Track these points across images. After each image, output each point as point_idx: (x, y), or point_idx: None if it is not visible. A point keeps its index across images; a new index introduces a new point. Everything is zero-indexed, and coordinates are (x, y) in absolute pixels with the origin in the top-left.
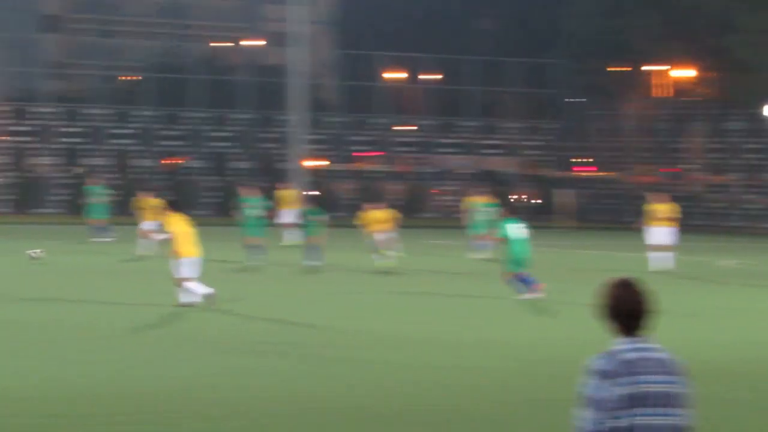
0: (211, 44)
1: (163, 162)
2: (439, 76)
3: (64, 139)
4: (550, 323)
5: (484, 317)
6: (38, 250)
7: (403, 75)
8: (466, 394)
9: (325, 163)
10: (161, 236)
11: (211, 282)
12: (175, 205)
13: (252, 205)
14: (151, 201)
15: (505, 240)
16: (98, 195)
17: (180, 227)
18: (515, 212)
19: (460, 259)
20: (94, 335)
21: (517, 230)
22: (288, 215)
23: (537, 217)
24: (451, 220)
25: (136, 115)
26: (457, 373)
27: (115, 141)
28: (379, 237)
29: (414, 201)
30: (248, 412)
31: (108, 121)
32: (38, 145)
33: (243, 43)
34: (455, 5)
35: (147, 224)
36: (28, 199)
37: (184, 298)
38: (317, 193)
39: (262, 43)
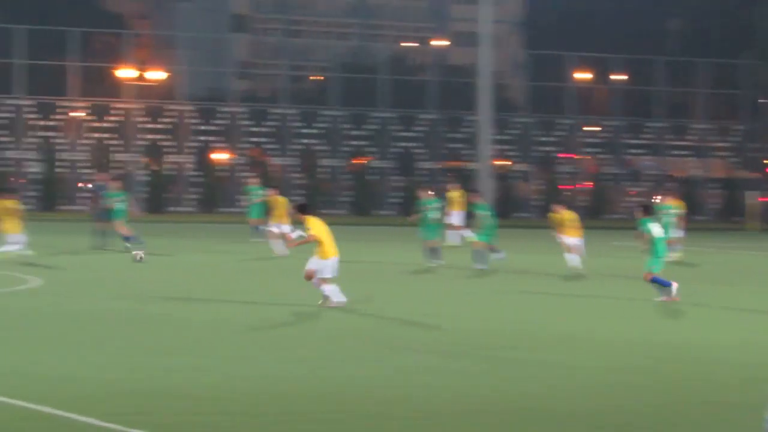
0: (398, 44)
1: (351, 162)
2: (628, 77)
3: (251, 139)
4: (730, 326)
5: (661, 320)
6: (141, 252)
7: (591, 75)
8: (644, 396)
9: (511, 163)
10: (299, 237)
11: (385, 283)
12: (306, 209)
13: (430, 207)
14: (281, 200)
15: (651, 239)
16: (257, 195)
17: (321, 229)
18: (650, 212)
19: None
20: (266, 334)
21: (658, 230)
22: (457, 216)
23: (726, 219)
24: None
25: (322, 114)
26: (635, 375)
27: (301, 141)
28: (568, 240)
29: (601, 202)
30: (433, 412)
31: (295, 120)
32: (225, 145)
33: (429, 42)
34: (644, 5)
35: (279, 225)
36: (214, 198)
37: (335, 298)
38: (479, 191)
39: (448, 43)
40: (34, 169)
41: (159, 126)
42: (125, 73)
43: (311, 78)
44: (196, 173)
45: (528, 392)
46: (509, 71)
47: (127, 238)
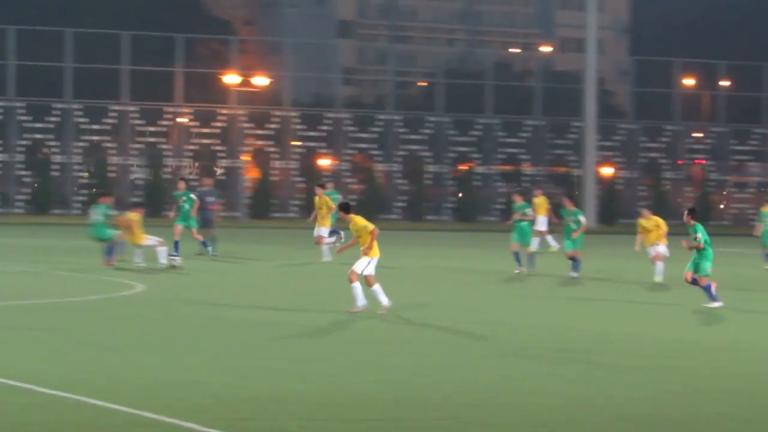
0: (504, 50)
1: (456, 168)
2: (734, 83)
3: (356, 145)
4: None
5: (757, 327)
6: (178, 259)
7: (697, 81)
8: (749, 403)
9: (615, 169)
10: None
11: (480, 289)
12: (349, 208)
13: (520, 212)
14: (325, 200)
15: (704, 245)
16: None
17: (368, 227)
18: (697, 216)
19: (751, 269)
20: (368, 340)
21: (705, 235)
22: (541, 222)
23: None
24: (745, 228)
25: (427, 120)
26: (740, 381)
27: (406, 147)
28: (654, 249)
29: (706, 209)
30: (546, 419)
31: (400, 126)
32: (329, 151)
33: (534, 48)
34: (750, 10)
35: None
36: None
37: (383, 300)
38: (572, 197)
39: (551, 49)
40: (139, 174)
41: (264, 132)
42: (230, 79)
43: (417, 84)
44: (300, 179)
45: (635, 397)
46: (614, 77)
47: (176, 243)
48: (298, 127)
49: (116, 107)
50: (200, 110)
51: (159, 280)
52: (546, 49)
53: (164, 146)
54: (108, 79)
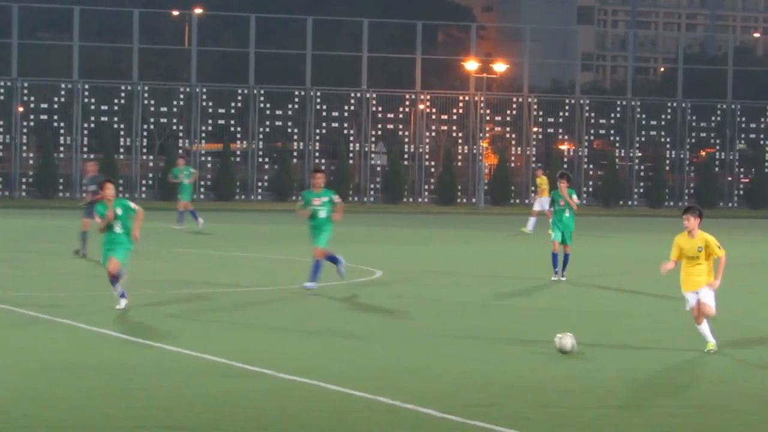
0: (746, 35)
1: (699, 154)
2: None
3: (597, 131)
4: None
5: None
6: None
7: None
8: None
9: None
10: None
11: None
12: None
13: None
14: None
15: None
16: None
17: None
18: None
19: None
20: (626, 326)
21: None
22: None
23: None
24: None
25: (667, 106)
26: None
27: (645, 132)
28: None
29: None
30: None
31: (639, 112)
32: (568, 137)
33: None
34: None
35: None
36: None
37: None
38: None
39: None
40: (377, 161)
41: (502, 118)
42: (469, 65)
43: (659, 69)
44: (538, 165)
45: None
46: None
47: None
48: (537, 113)
49: (356, 94)
50: (439, 97)
51: (394, 267)
52: None
53: (403, 133)
54: (348, 66)
